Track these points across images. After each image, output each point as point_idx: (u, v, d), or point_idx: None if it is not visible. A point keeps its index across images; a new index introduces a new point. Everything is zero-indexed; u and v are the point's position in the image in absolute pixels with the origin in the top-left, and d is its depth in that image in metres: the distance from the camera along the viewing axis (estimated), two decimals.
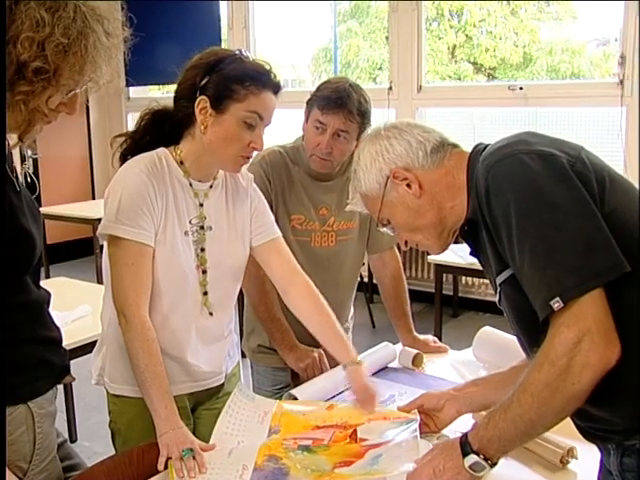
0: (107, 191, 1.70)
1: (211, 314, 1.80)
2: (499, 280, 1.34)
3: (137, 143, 1.78)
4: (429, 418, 1.69)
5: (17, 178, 1.45)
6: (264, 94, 1.67)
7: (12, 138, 1.41)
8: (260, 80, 1.67)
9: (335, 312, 2.33)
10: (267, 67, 1.71)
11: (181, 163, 1.74)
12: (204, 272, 1.76)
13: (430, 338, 2.37)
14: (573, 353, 1.14)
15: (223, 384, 1.90)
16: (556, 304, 1.16)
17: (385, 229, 1.55)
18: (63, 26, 1.25)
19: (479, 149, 1.42)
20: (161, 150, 1.74)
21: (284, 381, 2.31)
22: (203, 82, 1.66)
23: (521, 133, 1.34)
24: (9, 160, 1.44)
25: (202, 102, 1.66)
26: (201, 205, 1.77)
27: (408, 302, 2.42)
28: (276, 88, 1.71)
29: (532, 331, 1.27)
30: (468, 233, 1.45)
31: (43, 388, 1.50)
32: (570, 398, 1.17)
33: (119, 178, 1.68)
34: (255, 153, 1.77)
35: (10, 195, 1.39)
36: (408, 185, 1.45)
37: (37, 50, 1.24)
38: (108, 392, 1.80)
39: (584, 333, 1.14)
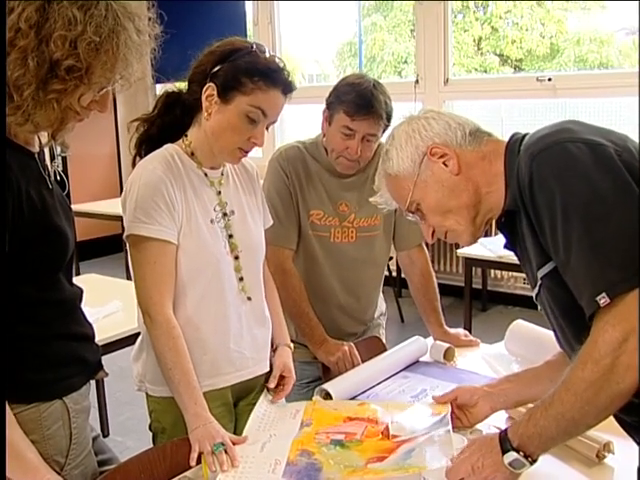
0: (123, 194, 1.71)
1: (249, 298, 1.81)
2: (540, 274, 1.31)
3: (151, 127, 1.79)
4: (462, 413, 1.68)
5: (49, 176, 1.46)
6: (272, 92, 1.67)
7: (44, 136, 1.42)
8: (270, 77, 1.66)
9: (358, 308, 2.32)
10: (281, 65, 1.70)
11: (192, 154, 1.75)
12: (236, 258, 1.77)
13: (461, 332, 2.36)
14: (618, 353, 1.11)
15: (264, 376, 1.89)
16: (602, 300, 1.12)
17: (412, 216, 1.50)
18: (95, 24, 1.26)
19: (517, 138, 1.38)
20: (170, 146, 1.75)
21: (311, 375, 2.31)
22: (215, 69, 1.67)
23: (564, 122, 1.29)
24: (42, 158, 1.45)
25: (210, 89, 1.67)
26: (219, 193, 1.78)
27: (438, 298, 2.40)
28: (286, 88, 1.70)
29: (577, 326, 1.24)
30: (505, 224, 1.41)
31: (77, 384, 1.51)
32: (614, 397, 1.14)
33: (134, 178, 1.69)
34: (263, 149, 1.79)
35: (43, 193, 1.40)
36: (444, 163, 1.41)
37: (70, 48, 1.25)
38: (149, 395, 1.79)
39: (629, 333, 1.10)
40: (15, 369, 1.36)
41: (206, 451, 1.55)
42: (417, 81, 5.76)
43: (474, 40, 7.98)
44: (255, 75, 1.64)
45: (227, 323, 1.77)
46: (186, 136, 1.76)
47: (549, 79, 5.17)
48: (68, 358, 1.49)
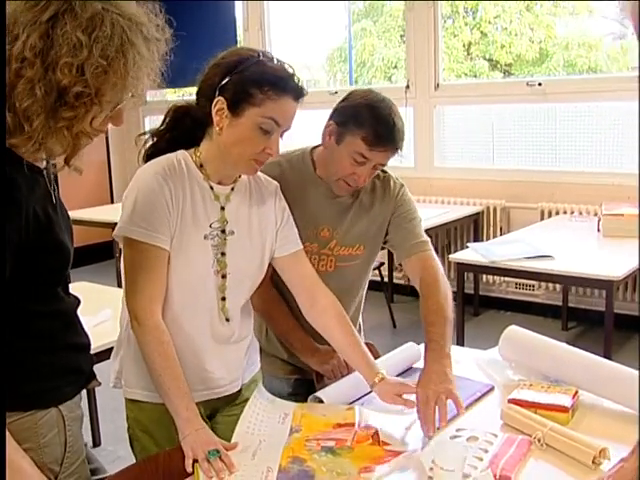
0: (125, 194, 1.69)
1: (228, 320, 1.76)
2: None
3: (159, 141, 1.76)
4: None
5: (55, 190, 1.45)
6: (283, 100, 1.63)
7: (59, 162, 1.41)
8: (279, 85, 1.62)
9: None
10: (290, 71, 1.66)
11: (201, 166, 1.71)
12: (223, 277, 1.73)
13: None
14: None
15: (240, 391, 1.86)
16: None
17: None
18: (101, 46, 1.24)
19: None
20: (181, 152, 1.72)
21: (281, 391, 2.09)
22: (222, 82, 1.63)
23: None
24: (48, 173, 1.44)
25: (219, 103, 1.63)
26: (222, 208, 1.73)
27: (439, 320, 1.96)
28: (297, 94, 1.66)
29: None
30: None
31: (72, 392, 1.51)
32: None
33: (135, 180, 1.67)
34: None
35: (49, 210, 1.39)
36: None
37: (76, 74, 1.24)
38: (125, 398, 1.78)
39: None
40: (13, 379, 1.36)
41: (200, 457, 1.54)
42: (408, 86, 5.76)
43: (464, 45, 8.01)
44: (264, 85, 1.60)
45: (203, 341, 1.74)
46: (198, 147, 1.73)
47: (539, 84, 5.19)
48: (66, 368, 1.49)
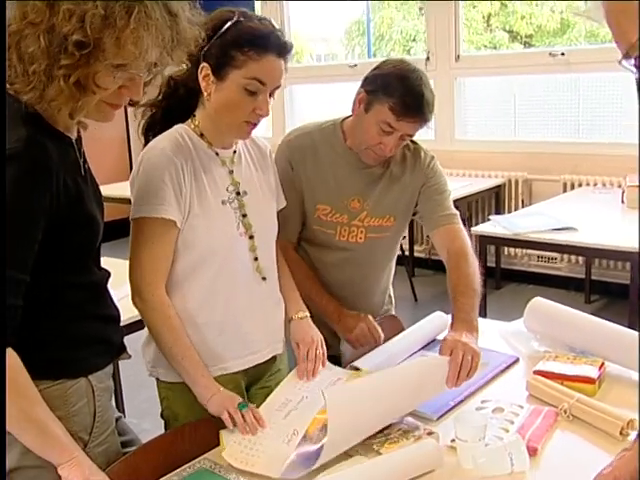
0: (133, 172, 1.68)
1: (264, 279, 1.78)
2: None
3: (157, 111, 1.76)
4: None
5: (84, 162, 1.46)
6: (265, 59, 1.60)
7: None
8: (259, 44, 1.59)
9: (362, 299, 2.18)
10: (270, 28, 1.63)
11: (201, 135, 1.71)
12: (251, 237, 1.74)
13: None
14: None
15: (275, 361, 1.87)
16: None
17: (627, 61, 1.05)
18: None
19: None
20: (179, 126, 1.71)
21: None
22: (205, 48, 1.60)
23: None
24: (79, 144, 1.45)
25: (204, 69, 1.63)
26: (231, 172, 1.74)
27: (469, 292, 1.94)
28: (280, 50, 1.62)
29: None
30: None
31: (102, 363, 1.53)
32: None
33: (143, 159, 1.66)
34: (266, 121, 1.71)
35: (78, 181, 1.40)
36: None
37: (76, 23, 1.23)
38: (161, 380, 1.77)
39: None
40: (43, 347, 1.39)
41: (232, 410, 1.57)
42: (428, 58, 5.70)
43: (483, 17, 7.91)
44: (244, 45, 1.58)
45: (239, 305, 1.74)
46: (194, 117, 1.73)
47: (562, 54, 5.11)
48: (95, 338, 1.50)
